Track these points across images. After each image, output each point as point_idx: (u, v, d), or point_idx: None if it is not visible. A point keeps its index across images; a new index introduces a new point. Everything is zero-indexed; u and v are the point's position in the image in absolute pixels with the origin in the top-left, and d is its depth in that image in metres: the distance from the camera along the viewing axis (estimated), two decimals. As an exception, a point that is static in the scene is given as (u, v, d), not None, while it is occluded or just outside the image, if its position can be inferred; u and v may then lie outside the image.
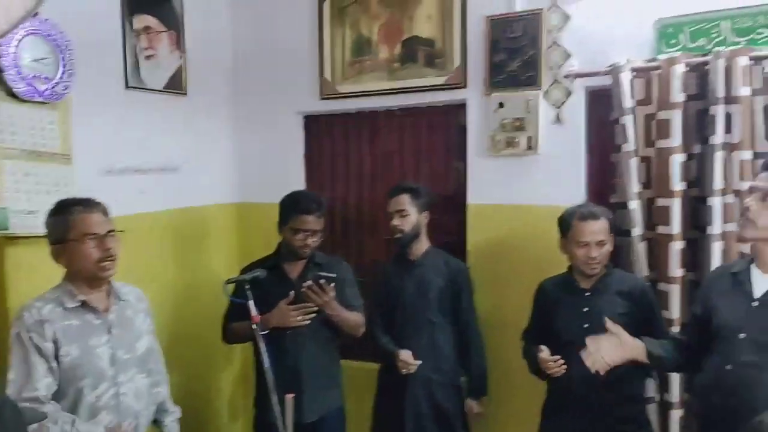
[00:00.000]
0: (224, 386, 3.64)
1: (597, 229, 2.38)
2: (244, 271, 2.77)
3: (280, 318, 2.63)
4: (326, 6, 3.32)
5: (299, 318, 2.62)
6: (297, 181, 3.58)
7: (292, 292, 2.64)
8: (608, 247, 2.41)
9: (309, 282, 2.62)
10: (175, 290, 3.28)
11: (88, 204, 2.10)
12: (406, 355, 2.76)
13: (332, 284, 2.62)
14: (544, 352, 2.41)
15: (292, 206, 2.76)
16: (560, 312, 2.50)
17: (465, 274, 2.89)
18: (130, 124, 2.99)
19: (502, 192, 3.01)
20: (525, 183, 2.95)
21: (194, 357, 3.32)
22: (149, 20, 3.08)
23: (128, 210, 2.91)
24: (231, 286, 2.55)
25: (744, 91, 2.39)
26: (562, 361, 2.38)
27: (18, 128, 2.42)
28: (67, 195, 2.52)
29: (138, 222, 3.04)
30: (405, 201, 2.82)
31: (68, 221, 2.05)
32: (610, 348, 2.15)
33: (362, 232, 3.51)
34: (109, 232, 2.10)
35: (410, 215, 2.82)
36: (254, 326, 2.39)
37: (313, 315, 2.64)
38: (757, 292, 1.92)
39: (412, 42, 3.14)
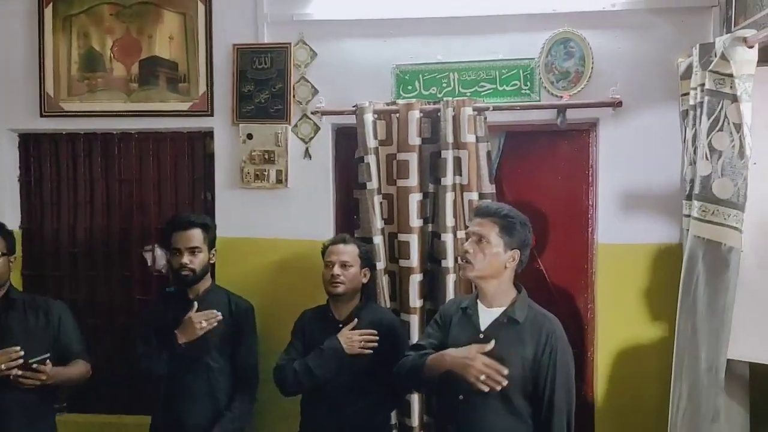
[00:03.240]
0: None
1: (342, 250, 2.48)
2: None
3: None
4: (48, 12, 2.90)
5: None
6: (11, 209, 3.08)
7: None
8: (355, 270, 2.48)
9: (17, 373, 2.22)
10: None
11: None
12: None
13: (47, 361, 2.27)
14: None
15: None
16: (315, 342, 2.48)
17: (249, 314, 2.68)
18: None
19: (251, 225, 2.91)
20: (275, 216, 2.89)
21: None
22: None
23: None
24: None
25: (470, 138, 2.64)
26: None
27: None
28: None
29: None
30: (198, 237, 2.56)
31: None
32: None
33: (94, 267, 3.12)
34: None
35: (202, 252, 2.57)
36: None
37: None
38: (483, 324, 2.10)
39: (152, 62, 2.90)
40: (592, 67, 2.66)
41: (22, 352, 2.26)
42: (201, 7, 2.84)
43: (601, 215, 2.75)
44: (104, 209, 3.11)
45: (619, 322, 2.72)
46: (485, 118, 2.68)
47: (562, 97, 2.68)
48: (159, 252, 3.06)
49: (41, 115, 2.98)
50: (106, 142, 3.08)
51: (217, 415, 2.56)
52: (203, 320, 2.45)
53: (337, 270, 2.44)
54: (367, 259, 2.56)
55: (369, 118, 2.69)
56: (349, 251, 2.49)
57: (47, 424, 2.50)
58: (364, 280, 2.54)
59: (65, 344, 2.47)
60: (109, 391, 3.07)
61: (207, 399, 2.56)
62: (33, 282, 3.12)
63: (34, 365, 2.24)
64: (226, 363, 2.60)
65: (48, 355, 2.29)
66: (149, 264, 3.08)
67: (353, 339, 2.40)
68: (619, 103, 2.64)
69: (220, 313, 2.48)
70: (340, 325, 2.48)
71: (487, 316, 2.11)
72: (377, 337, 2.41)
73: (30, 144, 3.11)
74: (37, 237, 3.14)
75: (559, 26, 2.68)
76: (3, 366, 2.23)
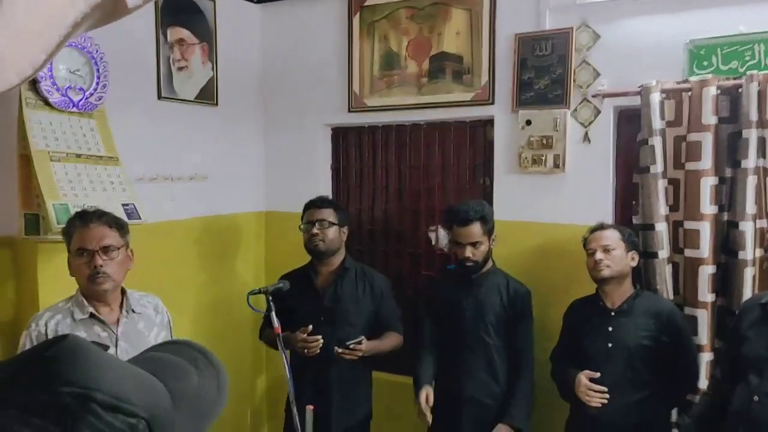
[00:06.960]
0: (252, 395, 3.68)
1: (602, 236, 2.45)
2: (281, 278, 2.80)
3: (295, 346, 2.68)
4: (356, 20, 3.34)
5: (309, 351, 2.64)
6: (324, 192, 3.59)
7: (310, 327, 2.66)
8: (618, 254, 2.42)
9: (339, 350, 2.62)
10: (203, 297, 3.33)
11: (85, 218, 2.00)
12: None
13: (362, 341, 2.63)
14: (585, 377, 2.41)
15: (306, 206, 2.91)
16: (586, 331, 2.50)
17: (526, 297, 2.72)
18: (162, 133, 3.06)
19: (528, 209, 2.98)
20: (551, 201, 2.92)
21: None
22: (183, 33, 3.15)
23: (160, 217, 2.98)
24: (258, 296, 2.56)
25: (779, 114, 2.34)
26: (606, 393, 2.37)
27: (59, 134, 2.46)
28: (123, 192, 2.58)
29: (169, 228, 3.11)
30: (478, 232, 2.65)
31: (69, 234, 2.00)
32: None
33: (388, 244, 3.52)
34: (105, 247, 1.98)
35: (483, 244, 2.68)
36: (278, 338, 2.43)
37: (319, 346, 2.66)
38: (788, 324, 1.88)
39: (441, 58, 3.15)
40: None
41: (321, 339, 2.64)
42: (486, 1, 3.00)
43: None
44: (397, 192, 3.47)
45: None
46: (799, 92, 2.34)
47: None
48: (441, 232, 3.32)
49: (348, 111, 3.43)
50: (399, 132, 3.43)
51: (492, 391, 2.67)
52: (310, 349, 2.63)
53: (599, 255, 2.40)
54: (632, 242, 2.45)
55: (656, 97, 2.55)
56: (608, 235, 2.43)
57: (366, 380, 2.89)
58: (633, 264, 2.45)
59: (384, 315, 2.80)
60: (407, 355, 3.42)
61: (484, 374, 2.68)
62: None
63: (351, 346, 2.61)
64: (501, 342, 2.69)
65: (362, 338, 2.64)
66: (433, 243, 3.36)
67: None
68: None
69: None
70: (612, 313, 2.43)
71: None
72: None
73: (340, 136, 3.61)
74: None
75: None
76: (307, 350, 2.64)
